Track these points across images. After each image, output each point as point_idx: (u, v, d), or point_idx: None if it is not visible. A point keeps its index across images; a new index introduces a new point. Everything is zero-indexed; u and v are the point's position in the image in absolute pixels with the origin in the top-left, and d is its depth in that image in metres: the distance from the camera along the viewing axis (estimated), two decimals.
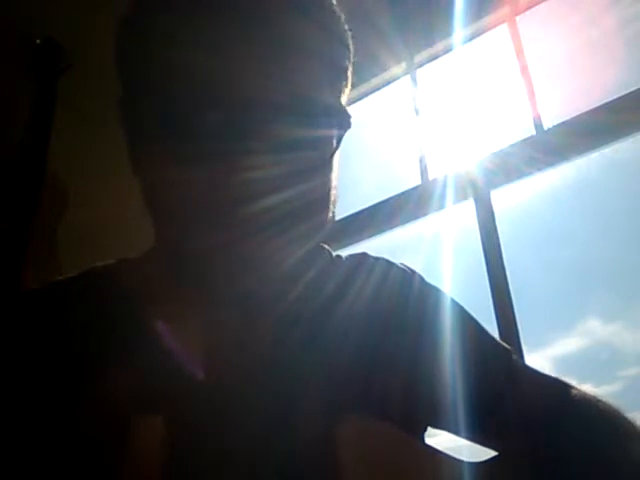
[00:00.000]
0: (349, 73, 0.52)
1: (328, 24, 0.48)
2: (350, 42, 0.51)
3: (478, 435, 0.55)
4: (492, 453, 0.51)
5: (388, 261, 0.60)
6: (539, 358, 1.55)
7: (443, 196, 1.81)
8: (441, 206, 1.80)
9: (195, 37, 0.43)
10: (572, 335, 1.56)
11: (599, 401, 0.53)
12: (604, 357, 1.52)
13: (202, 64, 0.42)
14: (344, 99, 0.52)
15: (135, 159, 0.48)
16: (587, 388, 0.55)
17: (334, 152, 0.48)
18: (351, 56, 0.51)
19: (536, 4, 1.87)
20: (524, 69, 1.80)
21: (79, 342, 0.47)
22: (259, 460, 0.44)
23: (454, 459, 0.44)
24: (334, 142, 0.48)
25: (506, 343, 0.59)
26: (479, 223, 1.71)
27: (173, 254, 0.47)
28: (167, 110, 0.43)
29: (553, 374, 0.57)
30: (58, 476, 0.42)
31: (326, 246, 0.60)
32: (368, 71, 2.11)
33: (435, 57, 2.07)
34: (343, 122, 0.49)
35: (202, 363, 0.46)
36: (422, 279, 0.59)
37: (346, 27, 0.50)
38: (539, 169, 1.68)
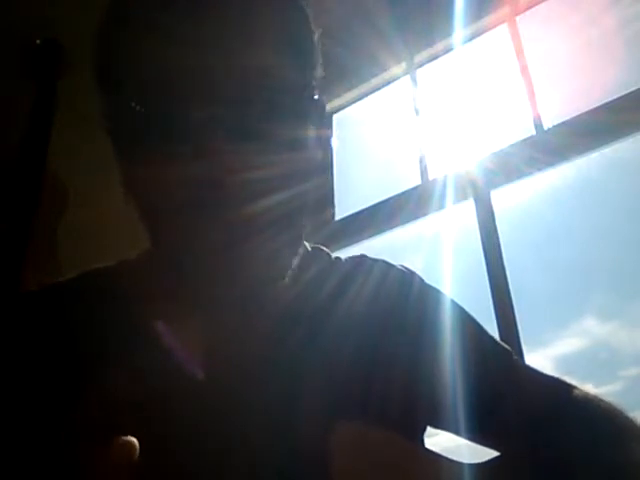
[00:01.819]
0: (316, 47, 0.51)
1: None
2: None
3: (478, 435, 0.55)
4: (493, 453, 0.51)
5: (387, 262, 0.60)
6: (539, 358, 1.55)
7: (443, 196, 1.80)
8: (441, 206, 1.80)
9: (189, 34, 0.43)
10: (572, 335, 1.56)
11: (601, 401, 0.52)
12: (603, 357, 1.52)
13: (193, 63, 0.42)
14: (318, 73, 0.51)
15: (129, 160, 0.47)
16: (588, 388, 0.55)
17: (330, 151, 0.48)
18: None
19: (536, 4, 1.87)
20: (524, 69, 1.80)
21: (79, 342, 0.47)
22: (259, 460, 0.44)
23: (454, 462, 0.44)
24: (328, 141, 0.48)
25: (506, 343, 0.59)
26: (479, 223, 1.70)
27: (172, 255, 0.46)
28: (163, 110, 0.43)
29: (554, 374, 0.57)
30: (55, 475, 0.42)
31: (324, 248, 0.60)
32: (368, 71, 2.10)
33: (435, 57, 2.07)
34: (324, 116, 0.50)
35: (202, 363, 0.46)
36: (421, 280, 0.59)
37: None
38: (539, 169, 1.67)
